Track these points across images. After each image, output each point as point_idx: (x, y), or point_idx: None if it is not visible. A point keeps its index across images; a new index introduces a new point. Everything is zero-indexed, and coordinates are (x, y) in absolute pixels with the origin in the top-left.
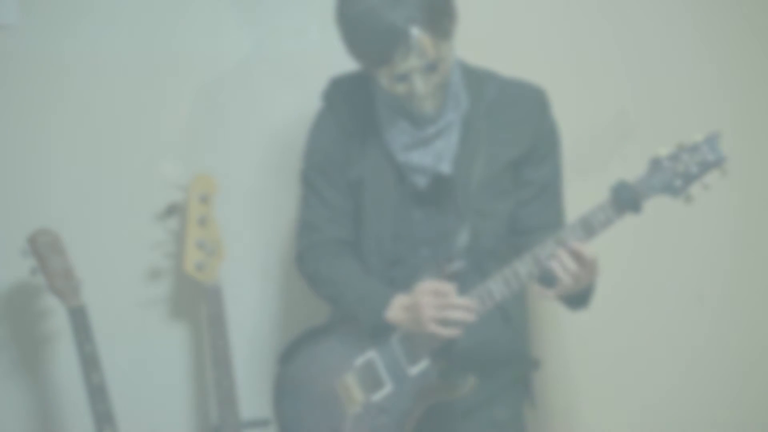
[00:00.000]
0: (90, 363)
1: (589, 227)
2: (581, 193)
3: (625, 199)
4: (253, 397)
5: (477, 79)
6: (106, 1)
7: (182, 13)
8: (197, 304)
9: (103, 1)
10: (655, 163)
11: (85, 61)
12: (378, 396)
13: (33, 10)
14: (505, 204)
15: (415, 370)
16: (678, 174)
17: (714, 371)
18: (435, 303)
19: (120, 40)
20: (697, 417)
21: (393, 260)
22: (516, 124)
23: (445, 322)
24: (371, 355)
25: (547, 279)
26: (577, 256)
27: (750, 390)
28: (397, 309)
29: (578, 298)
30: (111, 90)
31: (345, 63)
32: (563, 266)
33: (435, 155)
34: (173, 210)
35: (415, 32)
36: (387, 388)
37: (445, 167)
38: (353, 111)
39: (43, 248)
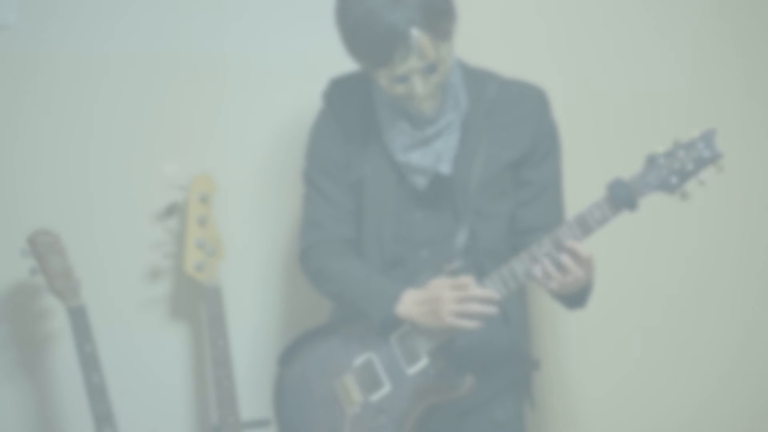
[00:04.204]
0: (90, 363)
1: (585, 225)
2: (581, 193)
3: (621, 197)
4: (253, 397)
5: (477, 79)
6: (106, 1)
7: (182, 13)
8: (197, 304)
9: (102, 1)
10: (651, 161)
11: (85, 62)
12: (376, 396)
13: (32, 10)
14: (505, 204)
15: (413, 369)
16: (674, 171)
17: (714, 371)
18: (455, 296)
19: (119, 40)
20: (697, 417)
21: (393, 261)
22: (516, 125)
23: (465, 316)
24: (370, 355)
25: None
26: (574, 255)
27: (750, 390)
28: (408, 303)
29: (576, 298)
30: (111, 90)
31: (345, 63)
32: (560, 265)
33: (435, 156)
34: (173, 210)
35: (415, 33)
36: (385, 389)
37: (445, 168)
38: (353, 111)
39: (43, 248)
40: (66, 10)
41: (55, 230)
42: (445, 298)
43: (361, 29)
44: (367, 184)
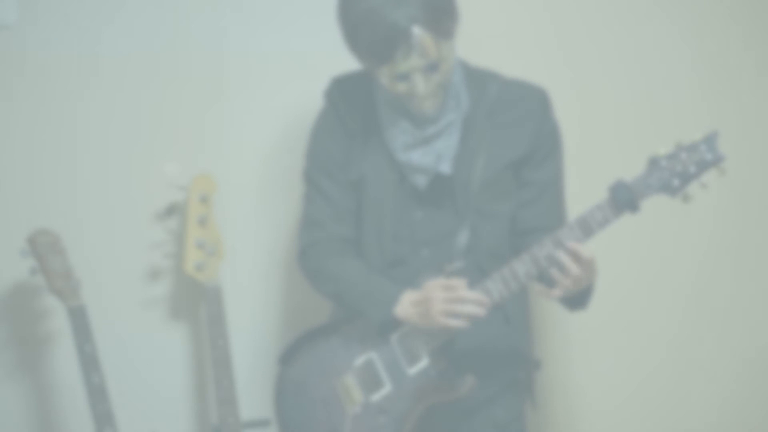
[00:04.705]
0: (90, 363)
1: (586, 227)
2: (582, 194)
3: (623, 199)
4: (253, 397)
5: (478, 79)
6: (106, 1)
7: (183, 13)
8: (197, 304)
9: (102, 2)
10: (654, 163)
11: (85, 62)
12: (377, 396)
13: (32, 10)
14: (506, 204)
15: (414, 369)
16: (676, 173)
17: (714, 371)
18: (445, 296)
19: (120, 40)
20: (697, 417)
21: (393, 260)
22: (517, 125)
23: (454, 315)
24: (371, 355)
25: (547, 278)
26: (575, 256)
27: (750, 390)
28: (406, 305)
29: (577, 299)
30: (111, 90)
31: (346, 63)
32: (561, 267)
33: (435, 155)
34: (173, 210)
35: (417, 32)
36: (386, 389)
37: (446, 167)
38: (355, 110)
39: (43, 248)
40: (66, 10)
41: (55, 230)
42: (435, 298)
43: (362, 27)
44: (368, 183)
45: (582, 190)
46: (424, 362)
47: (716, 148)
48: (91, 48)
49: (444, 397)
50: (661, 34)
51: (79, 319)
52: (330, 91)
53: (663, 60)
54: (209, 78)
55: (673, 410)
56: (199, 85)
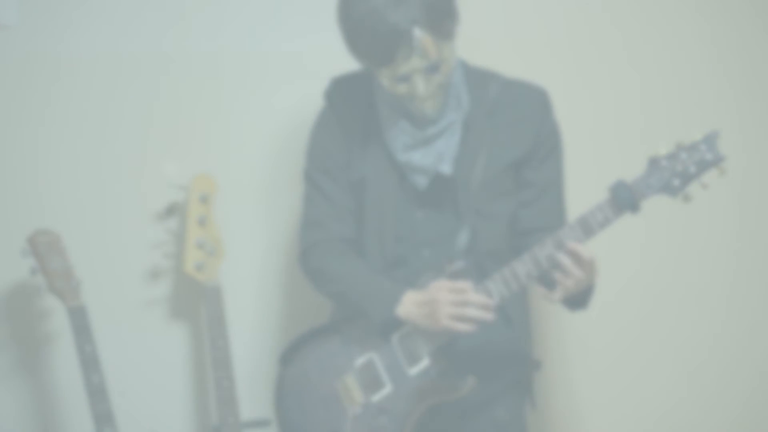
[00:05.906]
0: (90, 363)
1: (587, 227)
2: (582, 194)
3: (624, 199)
4: (253, 397)
5: (479, 79)
6: (105, 2)
7: (182, 12)
8: (197, 304)
9: (102, 2)
10: (654, 163)
11: (85, 62)
12: (378, 396)
13: (32, 10)
14: (507, 205)
15: (414, 370)
16: (676, 173)
17: (714, 371)
18: (452, 299)
19: (120, 40)
20: (697, 417)
21: (394, 261)
22: (518, 125)
23: (460, 319)
24: (371, 355)
25: (547, 280)
26: (575, 257)
27: (750, 390)
28: (408, 305)
29: (578, 299)
30: (111, 90)
31: (345, 63)
32: (562, 267)
33: (436, 155)
34: (173, 210)
35: (418, 33)
36: (387, 389)
37: (446, 168)
38: (355, 110)
39: (43, 248)
40: (66, 10)
41: (55, 230)
42: (442, 301)
43: (363, 28)
44: (368, 184)
45: (582, 190)
46: (424, 363)
47: (716, 148)
48: (90, 48)
49: (444, 397)
50: (661, 34)
51: (79, 319)
52: (330, 91)
53: (663, 60)
54: (209, 78)
55: (672, 410)
56: (198, 85)
